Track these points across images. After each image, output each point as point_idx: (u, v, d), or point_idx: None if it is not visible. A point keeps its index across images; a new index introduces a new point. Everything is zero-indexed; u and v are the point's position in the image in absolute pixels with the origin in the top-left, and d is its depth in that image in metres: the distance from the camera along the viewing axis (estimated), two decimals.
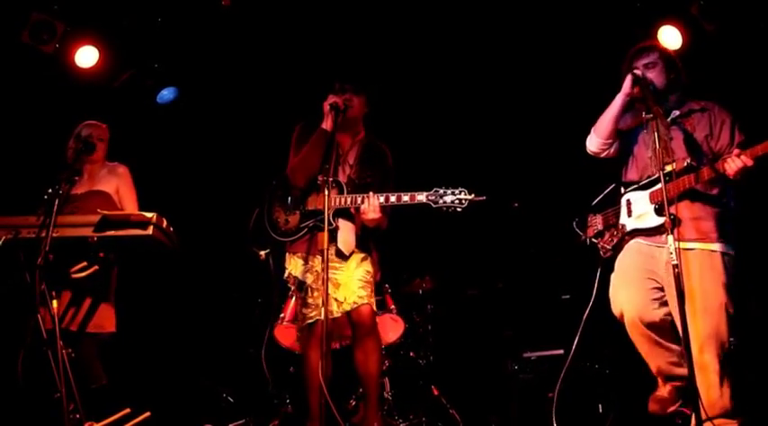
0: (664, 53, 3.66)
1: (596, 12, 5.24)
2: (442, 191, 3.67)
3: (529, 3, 5.34)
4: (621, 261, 3.63)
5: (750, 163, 3.22)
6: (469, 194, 3.66)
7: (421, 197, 3.71)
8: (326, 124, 3.90)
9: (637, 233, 3.56)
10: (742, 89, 5.09)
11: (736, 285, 3.41)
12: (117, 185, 4.35)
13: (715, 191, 3.46)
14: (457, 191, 3.66)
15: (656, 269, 3.46)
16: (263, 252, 4.93)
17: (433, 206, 3.67)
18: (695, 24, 5.06)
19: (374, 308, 3.96)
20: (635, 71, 3.52)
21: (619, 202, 3.67)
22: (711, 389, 3.25)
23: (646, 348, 3.50)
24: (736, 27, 5.00)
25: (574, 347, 3.71)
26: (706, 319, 3.29)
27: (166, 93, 5.88)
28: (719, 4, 4.96)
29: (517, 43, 5.58)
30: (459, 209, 3.65)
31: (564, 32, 5.41)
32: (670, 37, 5.13)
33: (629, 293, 3.53)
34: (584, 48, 5.34)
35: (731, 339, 3.38)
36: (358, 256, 3.99)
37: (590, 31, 5.27)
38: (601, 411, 4.79)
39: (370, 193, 3.79)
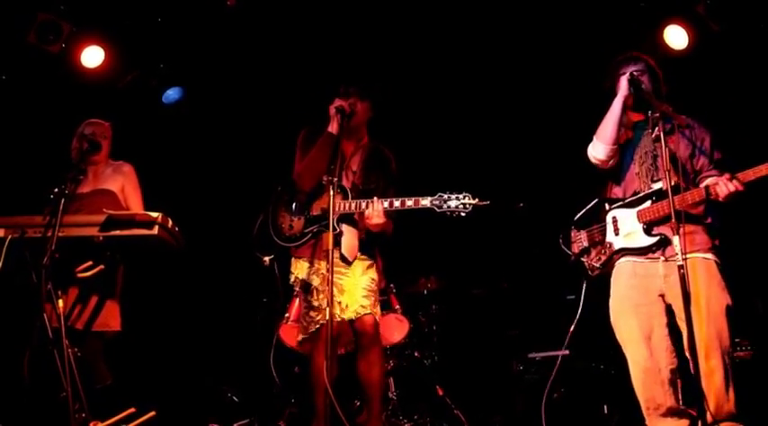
0: (649, 63, 3.66)
1: (601, 12, 5.23)
2: (446, 196, 3.67)
3: (533, 5, 5.33)
4: (618, 291, 3.55)
5: (741, 188, 3.24)
6: (473, 199, 3.66)
7: (425, 201, 3.71)
8: (332, 127, 3.91)
9: (626, 252, 3.53)
10: (748, 89, 5.08)
11: (743, 288, 3.41)
12: (122, 184, 4.35)
13: (699, 210, 3.45)
14: (461, 196, 3.66)
15: (654, 287, 3.42)
16: (267, 258, 4.94)
17: (437, 210, 3.67)
18: (701, 24, 5.04)
19: (377, 318, 3.96)
20: (633, 72, 3.53)
21: (603, 219, 3.64)
22: (718, 393, 3.23)
23: (662, 390, 3.37)
24: (743, 27, 4.98)
25: (560, 355, 3.69)
26: (710, 324, 3.27)
27: (172, 94, 5.89)
28: (726, 4, 4.94)
29: (520, 45, 5.57)
30: (463, 214, 3.65)
31: (569, 33, 5.40)
32: (676, 37, 5.10)
33: (639, 344, 3.41)
34: (589, 49, 5.33)
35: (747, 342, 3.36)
36: (363, 263, 4.00)
37: (595, 32, 5.25)
38: (606, 411, 4.78)
39: (375, 198, 3.80)
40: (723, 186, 3.26)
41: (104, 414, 3.54)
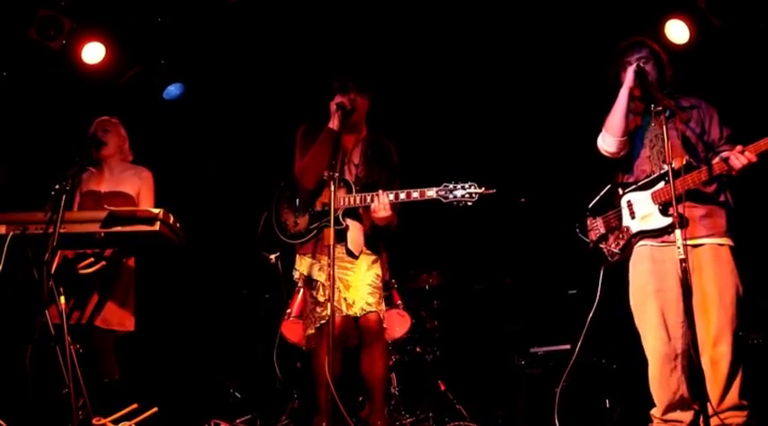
0: (653, 49, 3.66)
1: (604, 6, 5.21)
2: (451, 186, 3.66)
3: None
4: (636, 278, 3.56)
5: (754, 159, 3.22)
6: (479, 187, 3.64)
7: (431, 192, 3.70)
8: (333, 124, 3.89)
9: (643, 234, 3.53)
10: (749, 84, 5.06)
11: (746, 279, 3.41)
12: (139, 188, 4.44)
13: (712, 189, 3.45)
14: (467, 185, 3.64)
15: (672, 272, 3.40)
16: (272, 256, 4.94)
17: (444, 201, 3.66)
18: (703, 18, 5.02)
19: (382, 316, 3.96)
20: (639, 64, 3.52)
21: (618, 204, 3.64)
22: (723, 382, 3.25)
23: (676, 376, 3.38)
24: (744, 22, 4.96)
25: (578, 346, 3.69)
26: (721, 311, 3.29)
27: (173, 89, 5.88)
28: None
29: (524, 37, 5.56)
30: (469, 204, 3.64)
31: (571, 27, 5.38)
32: (677, 31, 5.08)
33: (658, 330, 3.42)
34: (592, 42, 5.31)
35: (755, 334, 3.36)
36: (369, 258, 3.99)
37: (598, 26, 5.23)
38: (608, 406, 4.78)
39: (380, 191, 3.78)
40: (735, 159, 3.24)
41: (107, 410, 3.55)
